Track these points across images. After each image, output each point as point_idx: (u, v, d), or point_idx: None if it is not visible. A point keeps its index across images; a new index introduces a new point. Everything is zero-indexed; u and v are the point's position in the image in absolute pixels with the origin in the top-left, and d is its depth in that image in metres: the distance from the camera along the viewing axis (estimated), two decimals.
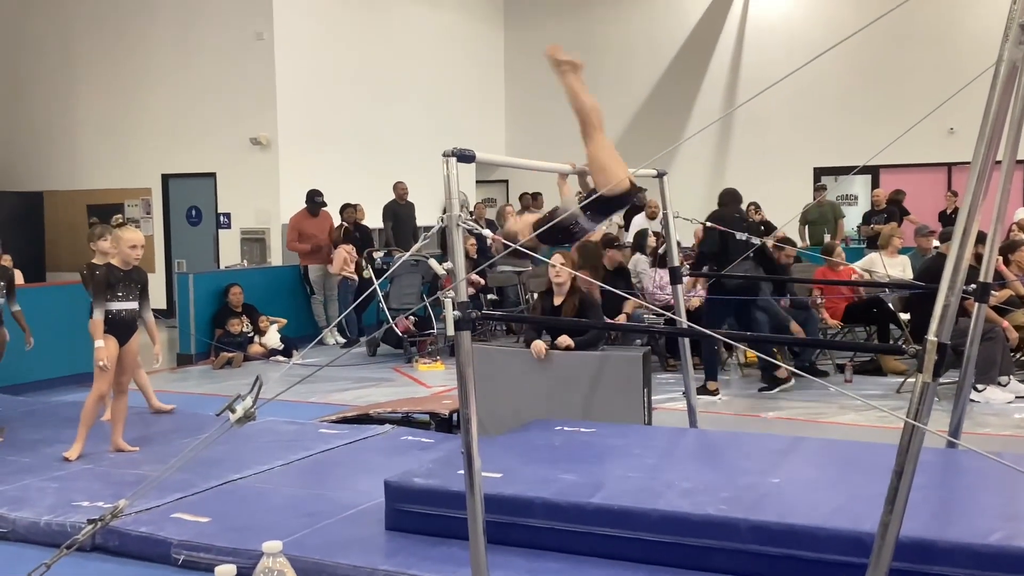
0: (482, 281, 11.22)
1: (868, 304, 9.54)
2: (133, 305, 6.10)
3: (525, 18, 18.40)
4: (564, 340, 6.47)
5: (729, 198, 8.88)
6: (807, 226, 14.33)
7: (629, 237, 12.35)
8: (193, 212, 14.31)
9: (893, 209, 13.92)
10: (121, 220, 11.48)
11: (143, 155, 14.26)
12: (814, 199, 14.55)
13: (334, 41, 14.14)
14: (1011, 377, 8.07)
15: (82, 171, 14.73)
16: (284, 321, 11.16)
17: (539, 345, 6.37)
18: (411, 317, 10.31)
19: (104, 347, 5.88)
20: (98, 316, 5.92)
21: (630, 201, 4.64)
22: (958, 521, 3.83)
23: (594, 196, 4.43)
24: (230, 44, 13.44)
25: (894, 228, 10.72)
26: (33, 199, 15.01)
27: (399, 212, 13.31)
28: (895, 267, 9.86)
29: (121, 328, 6.03)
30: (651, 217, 13.18)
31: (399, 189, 13.37)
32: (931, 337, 2.71)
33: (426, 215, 14.27)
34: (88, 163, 14.68)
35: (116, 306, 5.98)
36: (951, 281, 2.75)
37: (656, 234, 11.48)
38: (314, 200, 12.23)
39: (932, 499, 3.98)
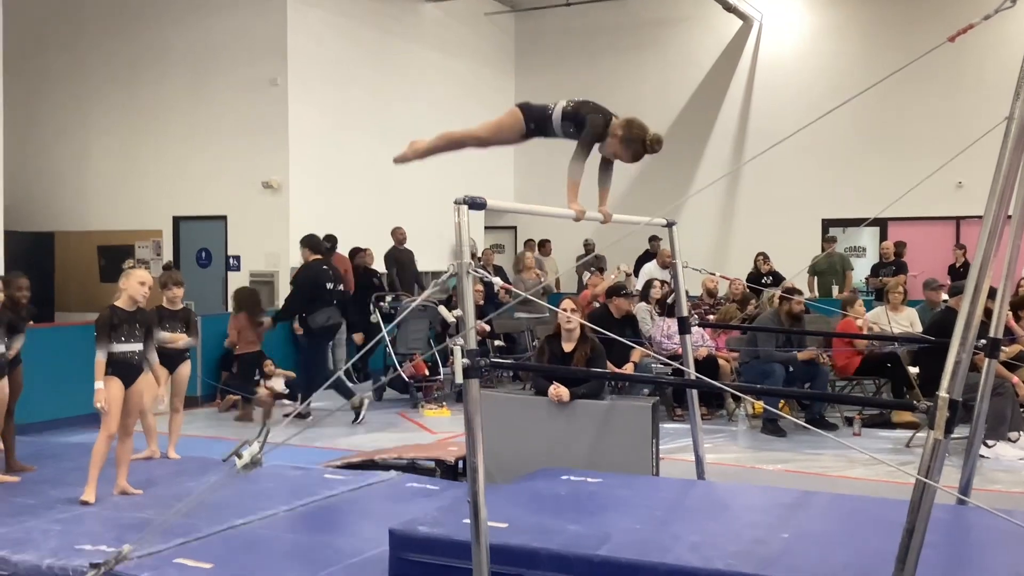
0: (487, 328, 11.20)
1: (881, 357, 9.51)
2: (138, 347, 6.08)
3: (535, 66, 18.59)
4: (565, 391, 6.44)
5: (317, 245, 9.73)
6: (816, 277, 14.33)
7: (639, 285, 12.35)
8: (203, 254, 14.37)
9: (902, 262, 13.93)
10: (132, 264, 11.59)
11: (155, 197, 14.35)
12: (823, 250, 14.57)
13: (347, 87, 14.28)
14: (1021, 433, 8.01)
15: (93, 212, 14.81)
16: (292, 375, 11.13)
17: (563, 390, 6.34)
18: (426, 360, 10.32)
19: (103, 389, 5.85)
20: (100, 357, 5.88)
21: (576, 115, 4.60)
22: None
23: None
24: (244, 89, 13.58)
25: (897, 281, 10.72)
26: (44, 239, 15.09)
27: (400, 258, 13.34)
28: (901, 321, 9.84)
29: (125, 370, 6.01)
30: (663, 266, 13.20)
31: (398, 234, 13.40)
32: (943, 394, 2.70)
33: (434, 259, 14.33)
34: (99, 204, 14.77)
35: (120, 348, 5.95)
36: (963, 338, 2.75)
37: (662, 283, 11.49)
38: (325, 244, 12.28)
39: (942, 557, 3.93)
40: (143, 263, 13.95)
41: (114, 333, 5.92)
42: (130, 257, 13.45)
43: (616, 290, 9.85)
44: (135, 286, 6.03)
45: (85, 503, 5.77)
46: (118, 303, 6.03)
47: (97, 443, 5.95)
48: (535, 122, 4.69)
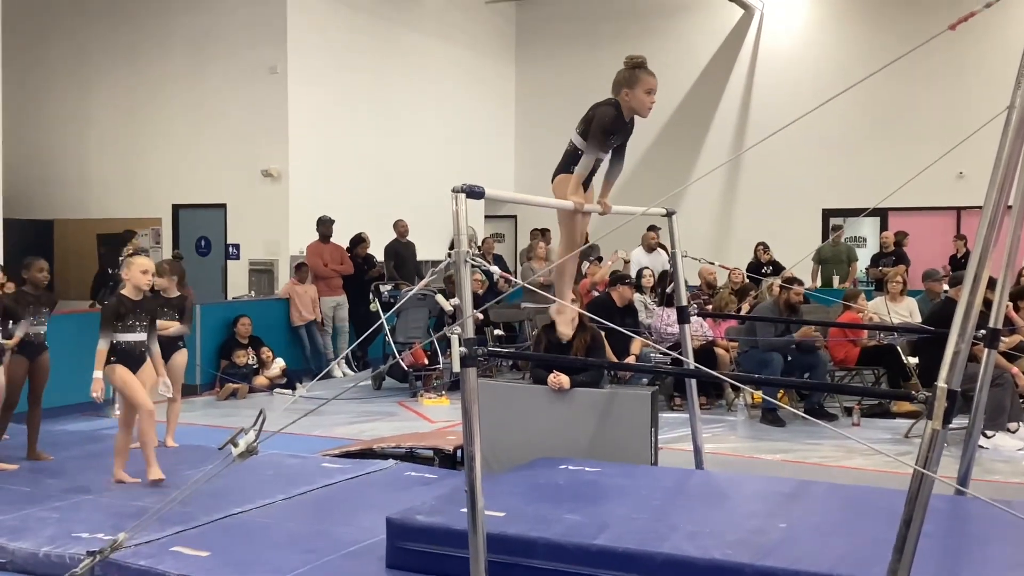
0: (480, 316, 11.17)
1: (880, 348, 9.49)
2: (143, 336, 6.04)
3: (536, 54, 18.54)
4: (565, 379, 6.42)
5: None
6: (820, 265, 14.30)
7: (632, 273, 12.31)
8: (203, 243, 14.35)
9: (902, 252, 13.90)
10: (132, 250, 11.53)
11: (154, 185, 14.32)
12: (830, 238, 14.53)
13: (347, 75, 14.24)
14: (1020, 424, 8.00)
15: (93, 200, 14.78)
16: (284, 366, 11.03)
17: (563, 378, 6.32)
18: (425, 349, 10.31)
19: (100, 379, 5.82)
20: (102, 346, 5.86)
21: (629, 127, 4.53)
22: (966, 571, 3.78)
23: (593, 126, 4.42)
24: (244, 76, 13.54)
25: (895, 272, 10.70)
26: (43, 227, 15.06)
27: (400, 251, 13.29)
28: (901, 311, 9.83)
29: (130, 359, 5.98)
30: (648, 250, 13.19)
31: (400, 227, 13.36)
32: (941, 384, 2.68)
33: (434, 249, 14.30)
34: (99, 192, 14.74)
35: (125, 337, 5.93)
36: (961, 328, 2.73)
37: (651, 272, 11.49)
38: (321, 226, 12.28)
39: (940, 548, 3.92)
40: (143, 251, 13.93)
41: (120, 323, 5.88)
42: (129, 243, 13.33)
43: (620, 278, 9.85)
44: (137, 275, 5.98)
45: (157, 481, 5.79)
46: (124, 292, 5.99)
47: (140, 427, 5.96)
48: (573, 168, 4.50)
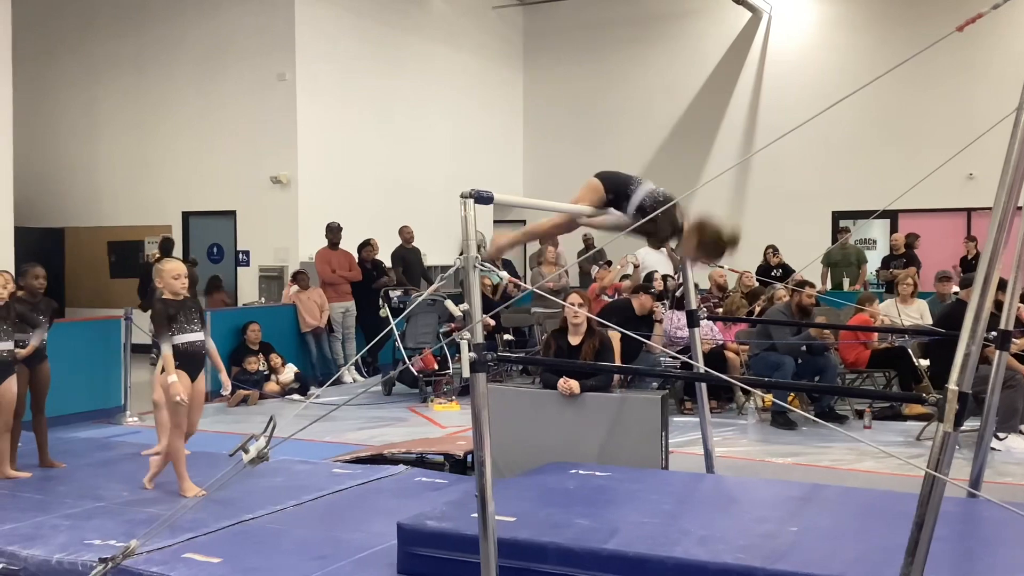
0: (492, 323, 11.16)
1: (891, 350, 9.47)
2: (199, 336, 5.84)
3: (544, 61, 18.56)
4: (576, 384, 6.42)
5: None
6: (830, 268, 14.27)
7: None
8: (214, 250, 14.40)
9: (912, 254, 13.87)
10: (157, 255, 11.57)
11: (164, 193, 14.38)
12: (838, 241, 14.52)
13: (355, 82, 14.29)
14: None
15: (103, 208, 14.86)
16: (298, 371, 11.03)
17: (573, 383, 6.33)
18: (435, 354, 10.31)
19: (178, 381, 5.61)
20: (166, 351, 5.67)
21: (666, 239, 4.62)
22: (978, 574, 3.76)
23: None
24: (252, 84, 13.60)
25: (906, 274, 10.67)
26: (54, 235, 15.15)
27: (407, 257, 13.32)
28: (912, 313, 9.80)
29: (191, 361, 5.80)
30: (655, 247, 13.09)
31: (405, 233, 13.38)
32: (952, 386, 2.68)
33: (443, 254, 14.33)
34: (109, 200, 14.82)
35: (182, 338, 5.74)
36: (972, 330, 2.72)
37: (665, 276, 11.45)
38: (329, 233, 12.31)
39: (952, 551, 3.91)
40: (158, 256, 13.98)
41: (174, 324, 5.75)
42: (142, 251, 13.34)
43: (644, 287, 9.88)
44: (170, 281, 5.84)
45: (186, 496, 5.71)
46: (166, 296, 5.89)
47: (171, 444, 5.86)
48: (614, 192, 4.52)
